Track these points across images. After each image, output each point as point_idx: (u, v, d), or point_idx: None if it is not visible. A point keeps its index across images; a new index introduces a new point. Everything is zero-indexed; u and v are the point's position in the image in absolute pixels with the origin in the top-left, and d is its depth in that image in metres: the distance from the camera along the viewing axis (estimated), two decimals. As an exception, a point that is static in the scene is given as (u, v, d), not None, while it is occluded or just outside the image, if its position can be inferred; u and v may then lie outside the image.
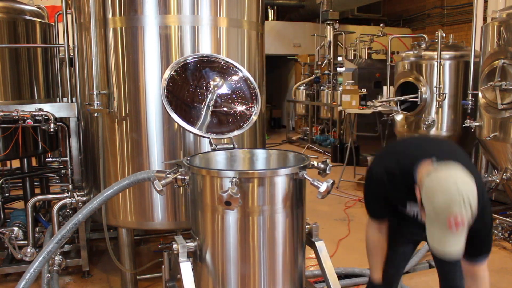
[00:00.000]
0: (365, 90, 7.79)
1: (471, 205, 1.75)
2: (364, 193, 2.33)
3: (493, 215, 4.87)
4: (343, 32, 10.88)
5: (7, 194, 5.17)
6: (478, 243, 2.03)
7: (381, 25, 9.88)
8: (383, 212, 2.30)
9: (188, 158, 2.16)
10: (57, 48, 4.42)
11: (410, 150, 2.17)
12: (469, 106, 5.07)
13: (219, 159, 2.39)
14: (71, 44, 3.56)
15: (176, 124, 2.61)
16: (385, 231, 2.35)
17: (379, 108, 6.40)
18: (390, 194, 2.19)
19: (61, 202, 3.51)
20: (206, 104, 2.51)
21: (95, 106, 3.01)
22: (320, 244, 2.20)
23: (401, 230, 2.40)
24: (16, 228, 3.80)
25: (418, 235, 2.35)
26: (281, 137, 13.02)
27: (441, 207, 1.76)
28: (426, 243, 2.58)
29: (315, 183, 1.92)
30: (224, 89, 2.61)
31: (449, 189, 1.75)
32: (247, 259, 1.96)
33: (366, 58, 9.95)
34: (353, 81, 8.44)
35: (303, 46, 13.63)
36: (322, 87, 10.98)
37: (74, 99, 3.74)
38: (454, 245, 1.79)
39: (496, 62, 4.39)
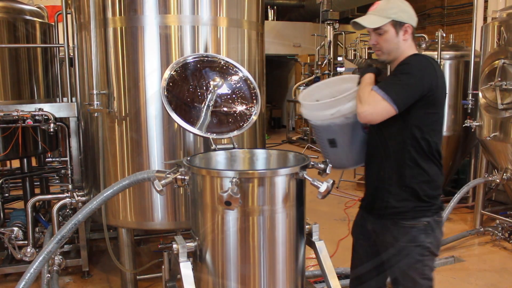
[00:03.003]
0: (365, 90, 7.77)
1: None
2: None
3: (493, 215, 4.90)
4: (343, 32, 10.88)
5: (7, 194, 5.17)
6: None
7: (381, 25, 9.84)
8: None
9: (188, 158, 2.15)
10: (57, 48, 4.42)
11: None
12: (470, 106, 5.07)
13: (219, 159, 2.38)
14: (71, 44, 3.55)
15: (176, 124, 2.61)
16: None
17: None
18: None
19: (61, 202, 3.51)
20: (206, 104, 2.50)
21: (95, 106, 3.01)
22: (320, 244, 2.19)
23: None
24: (16, 228, 3.80)
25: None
26: (281, 137, 13.02)
27: None
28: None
29: (315, 183, 1.91)
30: (224, 89, 2.60)
31: None
32: (247, 259, 1.96)
33: (366, 58, 9.94)
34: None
35: (303, 46, 13.64)
36: (322, 87, 10.96)
37: (74, 99, 3.74)
38: None
39: (496, 62, 4.39)
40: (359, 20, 2.19)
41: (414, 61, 2.11)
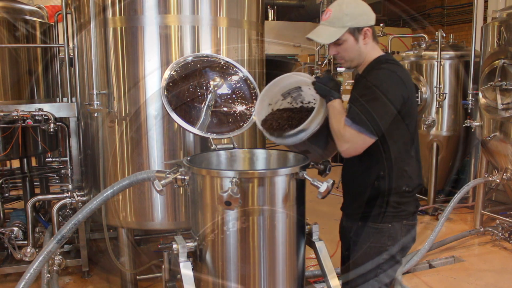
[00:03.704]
0: (365, 90, 7.77)
1: None
2: None
3: (493, 215, 4.90)
4: (343, 32, 10.86)
5: (7, 194, 5.17)
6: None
7: (381, 25, 9.86)
8: None
9: (188, 158, 2.15)
10: (57, 48, 4.42)
11: None
12: (470, 106, 5.07)
13: (219, 159, 2.38)
14: (71, 44, 3.56)
15: (176, 124, 2.61)
16: None
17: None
18: None
19: (61, 202, 3.51)
20: (206, 104, 2.50)
21: (95, 106, 3.01)
22: (320, 244, 2.19)
23: None
24: (16, 228, 3.80)
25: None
26: (281, 137, 12.99)
27: None
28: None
29: (315, 183, 1.91)
30: (224, 89, 2.60)
31: None
32: (247, 259, 1.96)
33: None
34: (353, 81, 8.42)
35: (303, 46, 13.62)
36: (322, 87, 10.95)
37: (74, 99, 3.74)
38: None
39: (496, 62, 4.39)
40: (313, 36, 2.07)
41: (378, 80, 1.99)
